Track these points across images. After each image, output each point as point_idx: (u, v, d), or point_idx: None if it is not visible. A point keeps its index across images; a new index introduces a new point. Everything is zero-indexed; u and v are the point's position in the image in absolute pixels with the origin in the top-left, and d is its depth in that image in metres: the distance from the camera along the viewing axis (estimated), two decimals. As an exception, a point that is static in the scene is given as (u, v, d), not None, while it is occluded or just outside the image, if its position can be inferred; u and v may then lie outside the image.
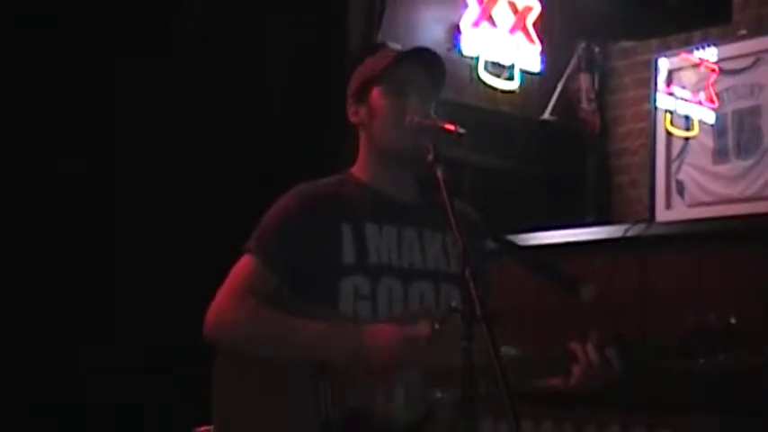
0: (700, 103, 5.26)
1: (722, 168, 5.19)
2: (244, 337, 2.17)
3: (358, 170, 2.36)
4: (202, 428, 2.31)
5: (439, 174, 2.01)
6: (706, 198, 5.21)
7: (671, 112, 5.33)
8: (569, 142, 5.39)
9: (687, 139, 5.32)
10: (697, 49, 5.25)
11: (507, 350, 2.19)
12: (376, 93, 2.28)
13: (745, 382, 2.80)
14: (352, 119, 2.35)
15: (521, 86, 5.07)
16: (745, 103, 5.14)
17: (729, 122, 5.20)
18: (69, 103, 3.55)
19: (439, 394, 2.07)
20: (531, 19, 5.08)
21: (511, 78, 5.03)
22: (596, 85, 5.47)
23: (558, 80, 5.29)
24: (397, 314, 2.18)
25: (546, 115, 5.26)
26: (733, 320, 1.90)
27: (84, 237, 3.56)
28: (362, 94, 2.31)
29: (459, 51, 4.82)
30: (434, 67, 2.30)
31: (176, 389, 3.23)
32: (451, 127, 2.13)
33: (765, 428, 2.93)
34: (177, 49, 3.79)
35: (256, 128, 3.99)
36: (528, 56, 5.08)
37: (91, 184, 3.59)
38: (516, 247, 2.77)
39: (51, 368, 3.43)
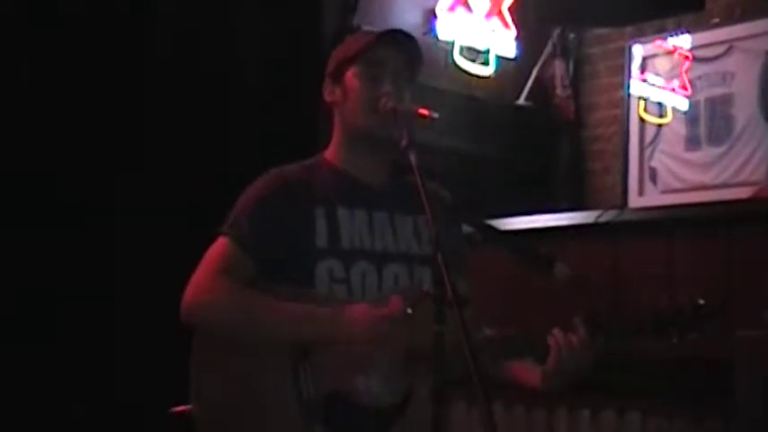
0: (673, 90, 5.29)
1: (694, 155, 5.23)
2: (223, 317, 2.17)
3: (330, 153, 2.35)
4: (180, 408, 2.30)
5: (412, 158, 2.01)
6: (678, 185, 5.25)
7: (644, 99, 5.37)
8: (543, 128, 5.40)
9: (660, 126, 5.36)
10: (671, 36, 5.28)
11: (483, 331, 2.20)
12: (351, 74, 2.26)
13: (714, 366, 2.84)
14: (328, 98, 2.33)
15: (496, 72, 5.07)
16: (717, 91, 5.18)
17: (702, 110, 5.23)
18: (49, 102, 3.51)
19: (417, 375, 2.07)
20: (506, 4, 5.08)
21: (486, 63, 5.04)
22: (571, 72, 5.48)
23: (533, 66, 5.30)
24: (372, 299, 2.17)
25: (520, 101, 5.27)
26: (701, 301, 1.92)
27: (77, 238, 3.53)
28: (339, 74, 2.29)
29: (435, 36, 4.81)
30: (411, 52, 2.28)
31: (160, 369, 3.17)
32: (425, 111, 2.13)
33: (734, 412, 2.96)
34: (147, 29, 3.75)
35: (229, 112, 3.97)
36: (503, 41, 5.08)
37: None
38: (489, 229, 2.78)
39: (50, 367, 3.40)
